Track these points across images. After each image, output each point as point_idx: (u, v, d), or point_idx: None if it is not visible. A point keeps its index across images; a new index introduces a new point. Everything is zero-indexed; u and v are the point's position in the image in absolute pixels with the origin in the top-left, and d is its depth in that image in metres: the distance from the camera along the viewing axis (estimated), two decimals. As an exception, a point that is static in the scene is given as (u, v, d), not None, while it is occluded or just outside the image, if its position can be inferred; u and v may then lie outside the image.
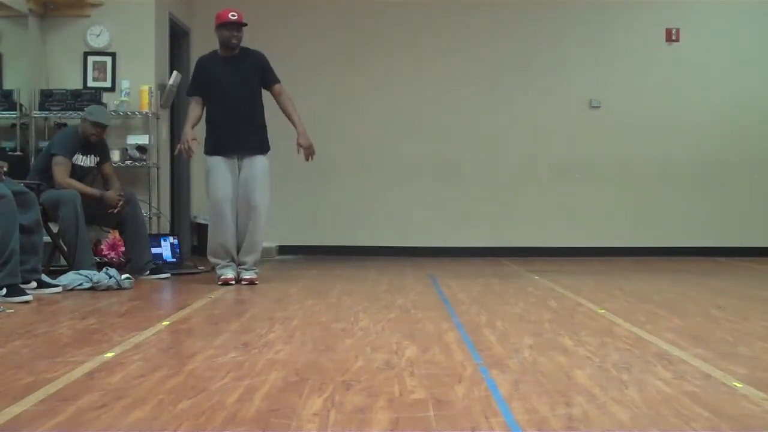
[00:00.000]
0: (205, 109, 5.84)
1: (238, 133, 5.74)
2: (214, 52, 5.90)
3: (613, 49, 8.81)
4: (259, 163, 5.75)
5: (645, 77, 8.78)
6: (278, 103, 5.88)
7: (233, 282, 5.67)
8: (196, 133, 5.78)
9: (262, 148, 5.81)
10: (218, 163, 5.73)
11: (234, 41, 5.75)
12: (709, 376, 2.81)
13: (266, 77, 5.84)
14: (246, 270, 5.76)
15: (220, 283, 5.66)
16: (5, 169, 4.97)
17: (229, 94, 5.75)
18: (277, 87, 5.86)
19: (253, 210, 5.70)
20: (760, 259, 8.27)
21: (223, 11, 5.79)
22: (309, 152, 5.82)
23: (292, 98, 5.90)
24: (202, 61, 5.93)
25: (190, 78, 6.10)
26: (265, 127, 5.88)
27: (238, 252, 5.77)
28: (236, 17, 5.74)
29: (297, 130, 5.81)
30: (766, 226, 8.78)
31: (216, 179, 5.72)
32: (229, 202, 5.70)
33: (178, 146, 5.82)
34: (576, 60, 8.78)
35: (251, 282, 5.69)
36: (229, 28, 5.74)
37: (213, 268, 5.90)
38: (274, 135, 5.99)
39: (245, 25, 5.80)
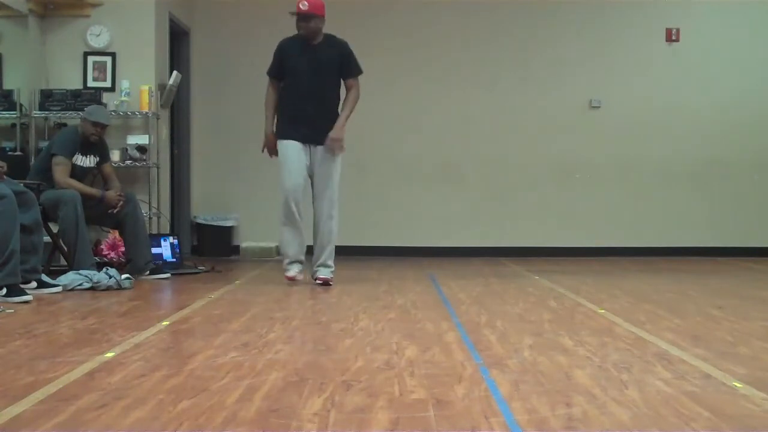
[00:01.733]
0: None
1: (312, 121, 5.57)
2: (296, 36, 5.69)
3: (613, 49, 8.81)
4: (331, 159, 5.60)
5: (645, 77, 8.78)
6: (347, 92, 5.74)
7: (299, 278, 5.59)
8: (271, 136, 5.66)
9: None
10: (291, 148, 5.55)
11: (303, 32, 5.58)
12: (709, 376, 2.81)
13: (347, 68, 5.70)
14: (322, 267, 5.61)
15: (286, 281, 5.59)
16: (5, 169, 4.97)
17: (305, 82, 5.60)
18: (351, 80, 5.72)
19: (331, 203, 5.58)
20: (760, 259, 8.27)
21: (298, 2, 5.56)
22: (335, 145, 5.61)
23: (359, 96, 5.74)
24: (282, 44, 5.73)
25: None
26: (338, 116, 5.70)
27: (313, 246, 5.63)
28: (306, 8, 5.51)
29: (338, 120, 5.62)
30: (766, 226, 8.78)
31: (287, 165, 5.55)
32: (298, 190, 5.54)
33: (263, 147, 5.70)
34: (576, 60, 8.78)
35: (325, 282, 5.54)
36: (298, 18, 5.57)
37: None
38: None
39: (313, 15, 5.54)
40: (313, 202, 5.68)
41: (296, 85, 5.63)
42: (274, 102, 5.70)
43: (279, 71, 5.70)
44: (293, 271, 5.63)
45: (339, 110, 5.74)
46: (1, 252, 4.61)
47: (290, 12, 5.63)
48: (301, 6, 5.54)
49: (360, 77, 5.79)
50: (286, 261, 5.69)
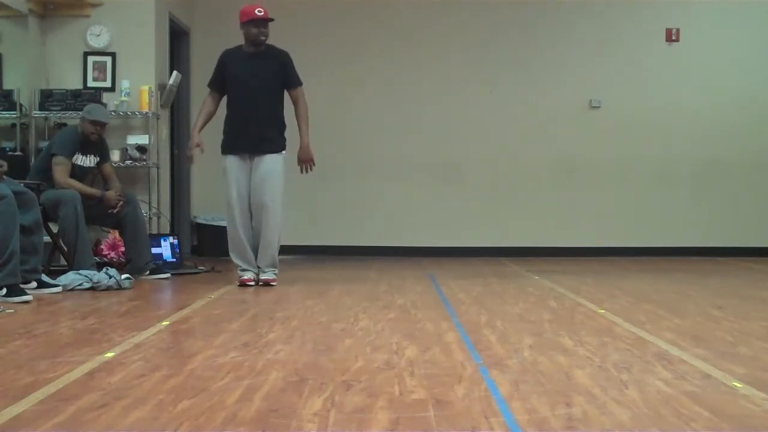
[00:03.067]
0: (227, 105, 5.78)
1: (252, 132, 5.63)
2: (239, 47, 5.78)
3: (613, 49, 8.81)
4: (269, 161, 5.63)
5: (645, 77, 8.78)
6: (294, 107, 5.77)
7: (252, 283, 5.61)
8: (201, 138, 5.74)
9: (274, 147, 5.67)
10: (231, 163, 5.67)
11: (262, 38, 5.65)
12: (709, 376, 2.81)
13: (287, 78, 5.74)
14: (263, 271, 5.67)
15: (238, 284, 5.62)
16: (5, 168, 4.97)
17: (245, 91, 5.66)
18: (294, 92, 5.75)
19: (263, 209, 5.60)
20: (760, 259, 8.27)
21: (248, 8, 5.66)
22: (306, 165, 5.75)
23: (307, 105, 5.76)
24: (224, 56, 5.83)
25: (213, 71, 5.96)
26: (282, 125, 5.76)
27: (256, 253, 5.68)
28: (263, 13, 5.61)
29: (300, 141, 5.72)
30: (766, 226, 8.78)
31: (229, 180, 5.66)
32: (241, 202, 5.63)
33: (186, 151, 5.77)
34: (576, 60, 8.78)
35: (267, 283, 5.61)
36: (257, 24, 5.62)
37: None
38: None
39: (272, 20, 5.68)
40: (251, 209, 5.67)
41: (238, 96, 5.71)
42: (208, 111, 5.81)
43: (219, 83, 5.79)
44: (246, 275, 5.65)
45: (281, 118, 5.76)
46: (1, 252, 4.61)
47: (244, 21, 5.64)
48: (257, 12, 5.62)
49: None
50: (240, 267, 5.72)
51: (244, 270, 5.67)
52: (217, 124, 8.58)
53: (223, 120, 5.82)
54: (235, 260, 5.73)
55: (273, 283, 5.62)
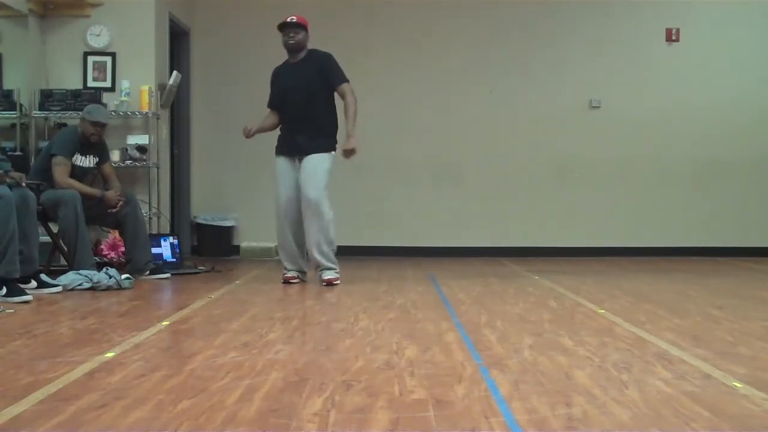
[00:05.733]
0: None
1: (298, 139, 5.74)
2: (285, 61, 5.93)
3: (613, 49, 8.81)
4: (314, 159, 5.69)
5: (645, 77, 8.78)
6: (344, 104, 5.82)
7: (295, 281, 5.72)
8: (252, 133, 5.86)
9: (320, 148, 5.73)
10: (280, 164, 5.80)
11: (291, 42, 5.74)
12: (709, 376, 2.81)
13: (329, 78, 5.79)
14: (323, 270, 5.70)
15: (282, 281, 5.73)
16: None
17: (289, 100, 5.79)
18: (340, 89, 5.80)
19: (309, 207, 5.63)
20: (760, 259, 8.27)
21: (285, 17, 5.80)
22: (349, 155, 5.79)
23: (356, 99, 5.79)
24: (274, 72, 5.99)
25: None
26: (329, 127, 5.84)
27: (306, 251, 5.80)
28: (294, 20, 5.73)
29: (346, 132, 5.75)
30: (766, 226, 8.78)
31: (277, 181, 5.80)
32: (288, 202, 5.73)
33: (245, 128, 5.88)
34: (576, 60, 8.78)
35: (329, 283, 5.61)
36: (286, 30, 5.74)
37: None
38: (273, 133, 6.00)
39: (303, 26, 5.76)
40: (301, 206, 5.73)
41: (285, 104, 5.84)
42: (267, 122, 5.96)
43: (273, 100, 5.94)
44: (289, 273, 5.79)
45: (329, 120, 5.85)
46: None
47: (279, 29, 5.77)
48: (288, 20, 5.73)
49: (351, 82, 5.85)
50: (284, 265, 5.87)
51: (288, 268, 5.79)
52: (214, 123, 8.64)
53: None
54: (281, 258, 5.89)
55: (336, 282, 5.64)
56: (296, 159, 5.76)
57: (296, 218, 5.74)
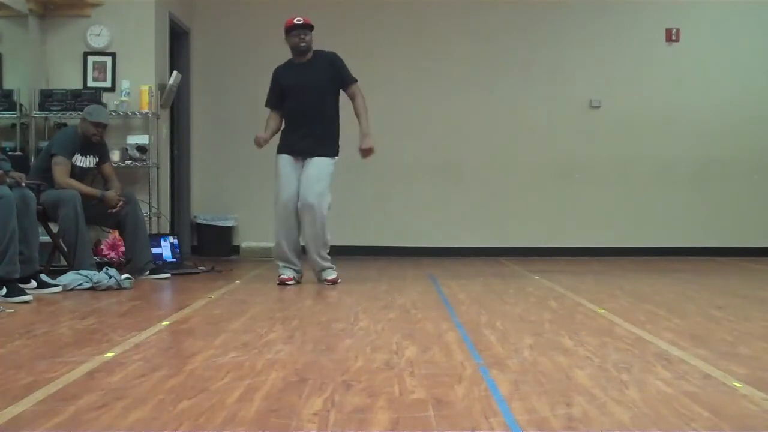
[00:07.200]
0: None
1: (305, 140, 5.71)
2: (289, 61, 5.88)
3: (613, 49, 8.81)
4: (318, 163, 5.68)
5: (645, 77, 8.78)
6: (352, 103, 5.83)
7: (291, 282, 5.67)
8: (265, 133, 5.80)
9: (326, 151, 5.74)
10: (284, 162, 5.74)
11: (303, 44, 5.73)
12: (709, 376, 2.81)
13: (338, 78, 5.79)
14: (324, 270, 5.73)
15: (277, 283, 5.66)
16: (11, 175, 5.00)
17: (298, 101, 5.75)
18: (350, 90, 5.81)
19: (309, 209, 5.62)
20: (760, 259, 8.27)
21: (288, 19, 5.76)
22: (367, 154, 5.81)
23: (365, 99, 5.80)
24: (276, 72, 5.91)
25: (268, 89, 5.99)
26: (336, 131, 5.83)
27: (304, 252, 5.77)
28: (302, 21, 5.71)
29: (360, 132, 5.76)
30: (766, 226, 8.78)
31: (278, 179, 5.75)
32: (288, 202, 5.69)
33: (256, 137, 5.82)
34: (576, 60, 8.78)
35: (333, 282, 5.67)
36: (297, 32, 5.71)
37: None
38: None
39: (312, 27, 5.76)
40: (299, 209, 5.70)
41: (291, 104, 5.78)
42: (272, 128, 5.86)
43: (276, 100, 5.86)
44: (285, 274, 5.71)
45: (336, 124, 5.83)
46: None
47: (285, 31, 5.74)
48: (296, 21, 5.70)
49: (359, 81, 5.83)
50: (280, 265, 5.79)
51: (283, 268, 5.74)
52: (214, 123, 8.64)
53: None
54: (276, 258, 5.85)
55: (338, 281, 5.70)
56: (300, 159, 5.74)
57: (295, 218, 5.72)
